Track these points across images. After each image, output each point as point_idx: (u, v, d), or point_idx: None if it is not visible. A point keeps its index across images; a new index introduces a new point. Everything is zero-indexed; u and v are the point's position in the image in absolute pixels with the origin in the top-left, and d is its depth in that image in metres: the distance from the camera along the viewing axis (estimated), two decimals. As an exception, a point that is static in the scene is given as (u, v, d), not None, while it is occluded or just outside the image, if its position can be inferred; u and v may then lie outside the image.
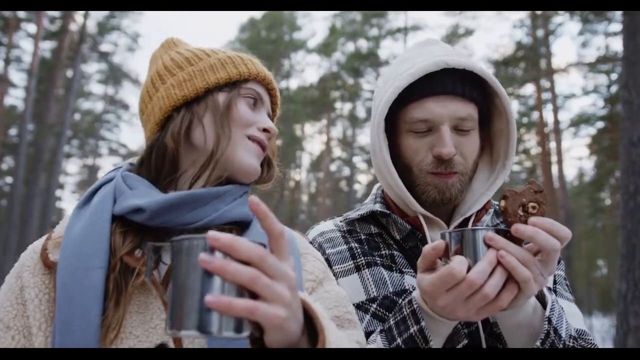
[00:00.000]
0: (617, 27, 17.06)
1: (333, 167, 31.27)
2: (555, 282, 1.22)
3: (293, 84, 29.62)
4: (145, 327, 0.84)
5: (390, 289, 1.15)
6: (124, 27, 25.68)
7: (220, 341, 0.77)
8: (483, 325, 1.10)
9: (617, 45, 19.19)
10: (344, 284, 1.15)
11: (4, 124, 21.08)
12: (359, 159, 29.33)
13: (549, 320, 0.96)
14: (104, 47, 25.86)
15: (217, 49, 1.05)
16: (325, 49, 27.61)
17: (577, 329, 1.08)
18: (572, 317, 1.10)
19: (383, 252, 1.21)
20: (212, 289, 0.58)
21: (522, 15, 21.37)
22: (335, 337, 0.69)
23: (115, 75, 28.08)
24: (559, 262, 1.26)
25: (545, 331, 0.95)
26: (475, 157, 1.19)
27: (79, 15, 20.49)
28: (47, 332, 0.85)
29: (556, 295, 1.19)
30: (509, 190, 0.91)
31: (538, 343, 0.94)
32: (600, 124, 20.77)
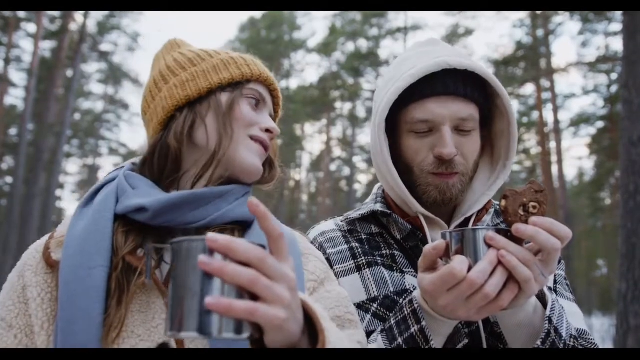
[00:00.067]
0: (617, 26, 17.07)
1: (333, 167, 31.30)
2: (555, 282, 1.22)
3: (293, 83, 29.67)
4: (147, 326, 0.84)
5: (391, 289, 1.15)
6: (123, 26, 25.70)
7: (222, 341, 0.77)
8: (484, 324, 1.10)
9: (617, 44, 19.21)
10: (344, 284, 1.15)
11: (4, 124, 21.08)
12: (359, 158, 29.36)
13: (550, 320, 0.96)
14: (104, 46, 25.90)
15: (219, 50, 1.05)
16: (325, 48, 27.61)
17: (578, 329, 1.08)
18: (572, 317, 1.10)
19: (384, 251, 1.21)
20: (211, 290, 0.58)
21: (522, 14, 21.38)
22: (336, 338, 0.69)
23: (115, 75, 28.08)
24: (559, 261, 1.26)
25: (546, 330, 0.95)
26: (476, 157, 1.19)
27: (79, 15, 20.51)
28: (49, 331, 0.85)
29: (557, 295, 1.19)
30: (509, 190, 0.91)
31: (539, 342, 0.94)
32: (600, 124, 20.80)
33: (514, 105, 1.26)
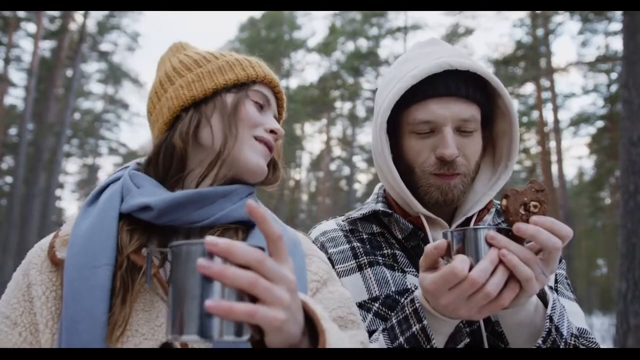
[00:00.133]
0: (617, 26, 17.07)
1: (333, 167, 31.29)
2: (556, 281, 1.22)
3: (293, 83, 29.64)
4: (151, 325, 0.84)
5: (393, 288, 1.15)
6: (123, 26, 25.69)
7: (223, 342, 0.77)
8: (485, 324, 1.10)
9: (617, 44, 19.20)
10: (346, 283, 1.15)
11: (3, 124, 21.08)
12: (358, 158, 29.35)
13: (551, 319, 0.96)
14: (104, 46, 25.90)
15: (225, 52, 1.06)
16: (325, 48, 27.60)
17: (579, 328, 1.09)
18: (573, 316, 1.10)
19: (385, 251, 1.21)
20: (211, 293, 0.58)
21: (522, 14, 21.38)
22: (336, 338, 0.69)
23: (115, 74, 28.08)
24: (560, 261, 1.26)
25: (547, 329, 0.95)
26: (478, 158, 1.20)
27: (78, 15, 20.51)
28: (53, 329, 0.85)
29: (557, 294, 1.19)
30: (510, 189, 0.91)
31: (539, 341, 0.95)
32: (600, 123, 20.80)
33: (514, 105, 1.25)
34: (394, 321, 1.03)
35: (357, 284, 1.17)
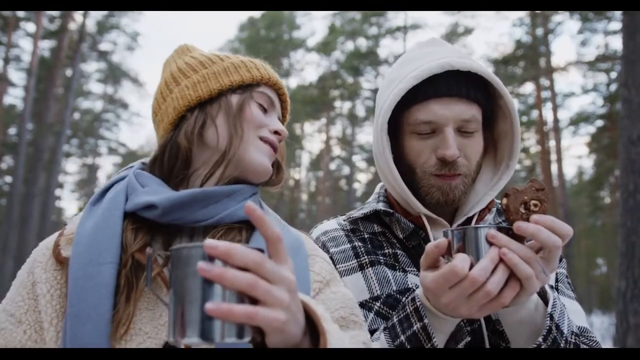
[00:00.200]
0: (616, 25, 17.06)
1: (332, 166, 31.27)
2: (557, 280, 1.23)
3: (292, 82, 29.60)
4: (155, 323, 0.85)
5: (394, 288, 1.15)
6: (123, 26, 25.66)
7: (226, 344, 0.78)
8: (486, 323, 1.10)
9: (616, 43, 19.19)
10: (347, 283, 1.15)
11: (3, 123, 21.06)
12: (358, 157, 29.35)
13: (551, 317, 0.97)
14: (103, 46, 25.87)
15: (230, 54, 1.07)
16: (325, 47, 27.58)
17: (579, 326, 1.09)
18: (574, 315, 1.10)
19: (386, 251, 1.22)
20: (212, 296, 0.59)
21: (522, 13, 21.37)
22: (337, 339, 0.69)
23: (114, 74, 28.06)
24: (560, 260, 1.26)
25: (547, 327, 0.95)
26: (479, 158, 1.20)
27: (78, 15, 20.49)
28: (58, 327, 0.86)
29: (558, 293, 1.19)
30: (511, 188, 0.92)
31: (540, 339, 0.95)
32: (599, 123, 20.80)
33: (515, 105, 1.25)
34: (395, 320, 1.03)
35: (359, 283, 1.17)
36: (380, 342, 1.03)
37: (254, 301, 0.61)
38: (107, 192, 0.97)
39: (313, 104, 27.06)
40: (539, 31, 21.78)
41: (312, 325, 0.71)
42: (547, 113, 22.79)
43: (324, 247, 1.24)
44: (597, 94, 21.08)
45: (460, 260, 0.86)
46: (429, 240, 1.18)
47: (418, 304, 0.99)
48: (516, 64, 21.74)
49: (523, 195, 0.90)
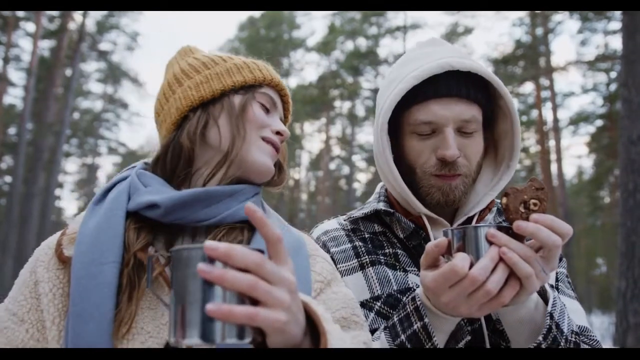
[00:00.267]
0: (616, 25, 17.06)
1: (332, 166, 31.28)
2: (557, 280, 1.23)
3: (292, 82, 29.59)
4: (156, 323, 0.85)
5: (395, 287, 1.15)
6: (122, 25, 25.67)
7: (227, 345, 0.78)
8: (486, 322, 1.10)
9: (616, 43, 19.19)
10: (348, 282, 1.16)
11: (3, 123, 21.05)
12: (358, 157, 29.36)
13: (551, 316, 0.97)
14: (103, 45, 25.88)
15: (232, 55, 1.08)
16: (325, 47, 27.57)
17: (580, 326, 1.09)
18: (574, 314, 1.10)
19: (387, 250, 1.22)
20: (212, 297, 0.59)
21: (522, 13, 21.37)
22: (338, 339, 0.70)
23: (114, 74, 28.07)
24: (561, 259, 1.27)
25: (547, 326, 0.96)
26: (479, 158, 1.20)
27: (77, 14, 20.48)
28: (60, 326, 0.86)
29: (558, 292, 1.19)
30: (510, 187, 0.92)
31: (540, 338, 0.95)
32: (599, 122, 20.80)
33: (515, 105, 1.25)
34: (396, 319, 1.03)
35: (359, 283, 1.17)
36: (381, 341, 1.03)
37: (254, 302, 0.61)
38: (109, 191, 0.97)
39: (313, 104, 27.05)
40: (539, 31, 21.79)
41: (312, 325, 0.71)
42: (547, 113, 22.83)
43: (325, 246, 1.24)
44: (596, 94, 21.10)
45: (460, 260, 0.86)
46: (429, 240, 1.18)
47: (418, 303, 0.99)
48: (516, 63, 21.73)
49: (523, 195, 0.90)
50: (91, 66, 28.02)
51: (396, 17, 25.55)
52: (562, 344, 0.97)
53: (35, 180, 18.17)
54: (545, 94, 22.56)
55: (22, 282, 0.92)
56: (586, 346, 1.06)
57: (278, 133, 1.04)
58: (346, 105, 29.03)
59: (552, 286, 1.19)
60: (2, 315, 0.89)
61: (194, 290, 0.60)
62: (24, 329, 0.87)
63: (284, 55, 29.41)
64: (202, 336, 0.59)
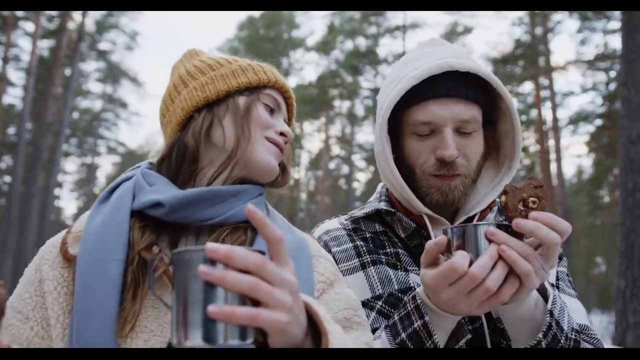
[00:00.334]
0: (615, 24, 17.07)
1: (332, 165, 31.27)
2: (558, 279, 1.23)
3: (292, 82, 29.56)
4: (160, 321, 0.86)
5: (396, 287, 1.16)
6: (122, 25, 25.63)
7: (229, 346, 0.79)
8: (487, 321, 1.10)
9: (615, 42, 19.21)
10: (349, 282, 1.16)
11: (2, 123, 21.03)
12: (357, 157, 29.35)
13: (551, 313, 0.97)
14: (103, 45, 25.83)
15: (237, 58, 1.09)
16: (324, 47, 27.56)
17: (580, 324, 1.09)
18: (575, 313, 1.11)
19: (388, 250, 1.22)
20: (214, 299, 0.60)
21: (521, 13, 21.38)
22: (339, 339, 0.70)
23: (113, 73, 28.04)
24: (561, 258, 1.27)
25: (547, 323, 0.96)
26: (479, 158, 1.20)
27: (77, 14, 20.47)
28: (64, 324, 0.87)
29: (559, 291, 1.20)
30: (509, 185, 0.92)
31: (540, 335, 0.95)
32: (598, 122, 20.78)
33: (515, 105, 1.25)
34: (396, 318, 1.03)
35: (360, 282, 1.18)
36: (382, 340, 1.03)
37: (256, 303, 0.62)
38: (114, 190, 0.98)
39: (312, 103, 27.03)
40: (538, 30, 21.79)
41: (314, 326, 0.71)
42: (547, 112, 22.84)
43: (326, 246, 1.25)
44: (596, 93, 21.09)
45: (460, 257, 0.86)
46: (430, 240, 1.18)
47: (419, 301, 0.99)
48: (515, 63, 21.74)
49: (521, 193, 0.91)
50: (90, 66, 28.00)
51: (395, 17, 25.56)
52: (562, 341, 0.97)
53: (34, 180, 18.16)
54: (544, 93, 22.58)
55: (27, 280, 0.93)
56: (587, 344, 1.06)
57: (282, 134, 1.05)
58: (345, 105, 29.04)
59: (552, 285, 1.20)
60: (7, 312, 0.90)
61: (195, 292, 0.60)
62: (28, 327, 0.88)
63: (284, 55, 29.39)
64: (205, 337, 0.59)
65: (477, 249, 0.88)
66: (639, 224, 5.55)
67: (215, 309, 0.57)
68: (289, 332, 0.63)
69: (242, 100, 1.02)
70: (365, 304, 1.15)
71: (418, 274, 1.17)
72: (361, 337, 0.92)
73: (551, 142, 22.47)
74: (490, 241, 0.88)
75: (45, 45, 21.29)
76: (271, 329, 0.61)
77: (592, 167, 24.21)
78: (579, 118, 21.20)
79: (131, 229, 0.90)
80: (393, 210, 1.23)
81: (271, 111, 1.06)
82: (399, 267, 1.19)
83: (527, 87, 23.03)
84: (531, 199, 0.90)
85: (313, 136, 31.79)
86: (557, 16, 20.16)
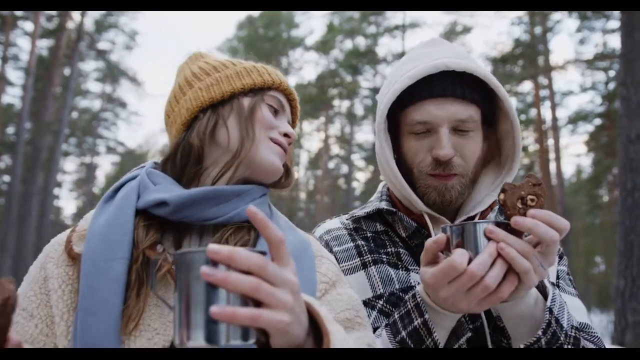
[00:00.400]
0: (615, 24, 17.08)
1: (331, 165, 31.28)
2: (558, 277, 1.23)
3: (291, 81, 29.49)
4: (163, 320, 0.86)
5: (397, 286, 1.16)
6: (121, 24, 25.62)
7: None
8: (487, 320, 1.11)
9: (615, 42, 19.25)
10: (350, 281, 1.16)
11: (1, 123, 21.01)
12: (357, 156, 29.36)
13: (550, 311, 0.97)
14: (102, 45, 25.82)
15: (242, 60, 1.10)
16: (323, 46, 27.55)
17: (581, 322, 1.09)
18: (575, 311, 1.11)
19: (389, 249, 1.22)
20: (216, 300, 0.61)
21: (520, 12, 21.37)
22: (341, 340, 0.71)
23: (112, 73, 28.02)
24: (562, 257, 1.27)
25: (547, 321, 0.96)
26: (477, 158, 1.20)
27: (76, 13, 20.45)
28: (69, 322, 0.88)
29: (559, 290, 1.20)
30: (508, 184, 0.93)
31: (539, 332, 0.96)
32: (598, 121, 20.79)
33: (513, 105, 1.25)
34: (397, 316, 1.04)
35: (362, 282, 1.18)
36: (382, 338, 1.04)
37: (257, 304, 0.62)
38: (119, 190, 0.99)
39: (312, 103, 27.02)
40: (538, 30, 21.79)
41: (315, 326, 0.72)
42: (546, 111, 22.86)
43: (327, 246, 1.25)
44: (595, 93, 21.11)
45: (459, 255, 0.87)
46: None
47: (419, 299, 1.00)
48: (515, 62, 21.72)
49: (520, 191, 0.91)
50: (89, 65, 27.99)
51: (395, 16, 25.53)
52: (561, 339, 0.97)
53: (33, 180, 18.15)
54: (544, 92, 22.58)
55: (31, 278, 0.94)
56: (587, 342, 1.06)
57: (286, 135, 1.06)
58: (345, 104, 29.04)
59: (553, 284, 1.20)
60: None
61: (197, 293, 0.61)
62: (33, 324, 0.89)
63: (283, 54, 29.39)
64: (207, 338, 0.60)
65: (476, 247, 0.88)
66: (638, 223, 5.56)
67: (218, 309, 0.58)
68: (291, 332, 0.64)
69: (246, 101, 1.03)
70: (366, 303, 1.15)
71: (419, 273, 1.17)
72: (363, 338, 0.93)
73: (550, 142, 22.51)
74: (489, 239, 0.88)
75: (44, 44, 21.32)
76: (273, 330, 0.62)
77: (591, 167, 24.24)
78: (578, 117, 21.21)
79: (136, 227, 0.91)
80: (394, 209, 1.23)
81: (275, 112, 1.07)
82: (400, 266, 1.20)
83: (527, 86, 23.08)
84: (530, 196, 0.91)
85: (312, 135, 31.82)
86: (557, 16, 20.17)
